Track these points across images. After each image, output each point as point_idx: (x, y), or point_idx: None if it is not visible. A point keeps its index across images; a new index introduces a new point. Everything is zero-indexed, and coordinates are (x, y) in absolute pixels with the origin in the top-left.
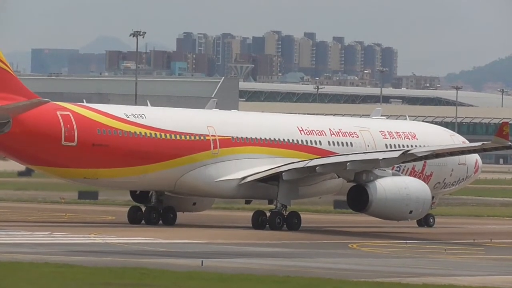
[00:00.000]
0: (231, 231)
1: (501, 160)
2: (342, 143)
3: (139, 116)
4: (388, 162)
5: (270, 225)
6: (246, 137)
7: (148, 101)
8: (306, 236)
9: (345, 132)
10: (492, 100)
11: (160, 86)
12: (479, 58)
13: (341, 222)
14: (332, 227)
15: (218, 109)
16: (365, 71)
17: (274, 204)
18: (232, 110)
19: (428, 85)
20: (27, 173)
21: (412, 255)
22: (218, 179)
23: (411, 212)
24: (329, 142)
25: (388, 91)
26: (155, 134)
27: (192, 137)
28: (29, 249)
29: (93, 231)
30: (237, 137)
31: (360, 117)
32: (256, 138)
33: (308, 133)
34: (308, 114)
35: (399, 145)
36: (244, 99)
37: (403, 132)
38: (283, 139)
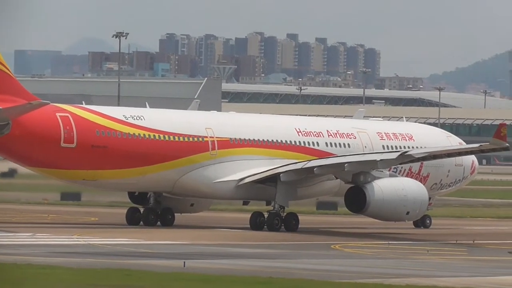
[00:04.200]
0: (214, 232)
1: (484, 161)
2: (339, 144)
3: (137, 118)
4: (386, 163)
5: (268, 226)
6: (244, 139)
7: (146, 102)
8: (289, 237)
9: (342, 134)
10: (475, 101)
11: (143, 87)
12: (462, 59)
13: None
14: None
15: (216, 111)
16: (348, 72)
17: (272, 205)
18: (231, 112)
19: (411, 86)
20: (10, 174)
21: (395, 256)
22: (216, 180)
23: (408, 213)
24: (326, 143)
25: (371, 92)
26: (154, 135)
27: (191, 139)
28: (12, 250)
29: (76, 232)
30: (235, 138)
31: (343, 118)
32: (254, 139)
33: (305, 134)
34: (291, 115)
35: (396, 147)
36: (227, 100)
37: (400, 134)
38: (281, 141)
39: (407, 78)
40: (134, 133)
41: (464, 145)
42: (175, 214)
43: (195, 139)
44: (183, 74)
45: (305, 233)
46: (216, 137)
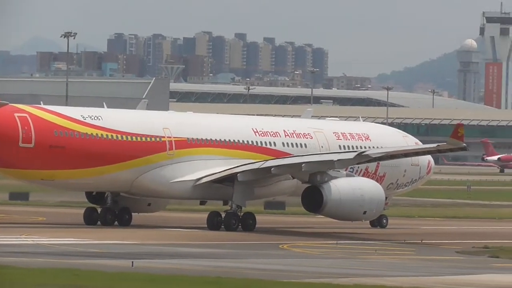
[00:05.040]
0: (165, 232)
1: None
2: (296, 144)
3: (95, 118)
4: (343, 163)
5: (225, 226)
6: (202, 139)
7: (104, 102)
8: (239, 236)
9: (299, 133)
10: (423, 101)
11: (91, 87)
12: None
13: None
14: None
15: (174, 111)
16: (296, 72)
17: (229, 205)
18: (188, 112)
19: (359, 85)
20: None
21: (343, 255)
22: (173, 180)
23: (365, 212)
24: (283, 143)
25: (319, 91)
26: (112, 135)
27: (148, 139)
28: None
29: (24, 232)
30: (192, 138)
31: (291, 117)
32: (211, 139)
33: (262, 134)
34: (238, 114)
35: (352, 147)
36: (175, 100)
37: (356, 133)
38: (238, 141)
39: (355, 78)
40: (92, 133)
41: (421, 145)
42: (133, 214)
43: (153, 139)
44: (131, 74)
45: (255, 233)
46: (174, 137)
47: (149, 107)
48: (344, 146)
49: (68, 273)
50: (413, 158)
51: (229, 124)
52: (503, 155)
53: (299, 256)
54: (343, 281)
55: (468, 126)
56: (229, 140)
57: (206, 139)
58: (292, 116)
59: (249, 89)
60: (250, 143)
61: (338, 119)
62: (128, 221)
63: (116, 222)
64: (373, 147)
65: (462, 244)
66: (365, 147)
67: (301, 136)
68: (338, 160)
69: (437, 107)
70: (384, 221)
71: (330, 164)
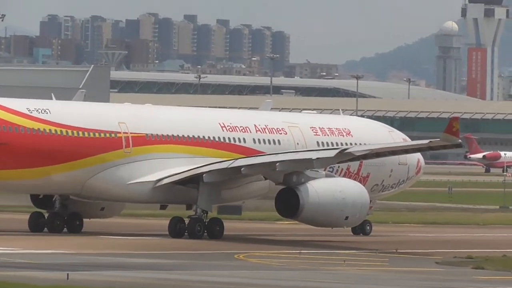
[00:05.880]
0: (107, 240)
1: None
2: (269, 140)
3: (43, 111)
4: (323, 162)
5: (189, 233)
6: (162, 135)
7: (52, 94)
8: (191, 245)
9: (272, 129)
10: (397, 91)
11: (22, 76)
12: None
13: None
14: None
15: (129, 103)
16: (253, 58)
17: (194, 209)
18: (147, 104)
19: (324, 74)
20: None
21: (306, 266)
22: (130, 182)
23: (347, 218)
24: (254, 139)
25: (280, 80)
26: (61, 131)
27: (102, 135)
28: None
29: None
30: (152, 134)
31: (248, 110)
32: (173, 135)
33: (231, 129)
34: (188, 107)
35: (332, 143)
36: (116, 90)
37: (336, 128)
38: (204, 137)
39: (320, 65)
40: (39, 129)
41: (410, 142)
42: (84, 219)
43: (107, 135)
44: (67, 61)
45: (207, 241)
46: (131, 133)
47: (87, 98)
48: (322, 143)
49: None
50: (400, 156)
51: (193, 118)
52: (489, 152)
53: (256, 267)
54: None
55: (448, 119)
56: (193, 136)
57: (168, 135)
58: (249, 109)
59: (200, 78)
60: (217, 139)
61: (315, 112)
62: (79, 227)
63: (65, 229)
64: (355, 143)
65: (442, 253)
66: (346, 144)
67: (274, 132)
68: (317, 158)
69: (413, 98)
70: (368, 227)
71: (308, 163)
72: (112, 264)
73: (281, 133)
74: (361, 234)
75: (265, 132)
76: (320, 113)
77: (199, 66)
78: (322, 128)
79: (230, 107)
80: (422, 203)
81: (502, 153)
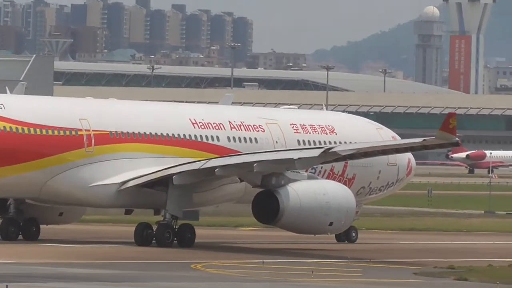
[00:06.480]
0: (49, 248)
1: None
2: (244, 138)
3: None
4: (306, 162)
5: (157, 241)
6: (128, 132)
7: (7, 87)
8: (140, 254)
9: (248, 125)
10: (372, 84)
11: None
12: (355, 31)
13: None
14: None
15: (91, 98)
16: (212, 48)
17: (162, 214)
18: (111, 99)
19: (291, 64)
20: None
21: (269, 277)
22: (92, 184)
23: (331, 224)
24: (229, 137)
25: (242, 72)
26: (16, 128)
27: (61, 132)
28: None
29: None
30: (116, 131)
31: (207, 104)
32: (140, 133)
33: (203, 126)
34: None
35: (314, 141)
36: (60, 83)
37: (319, 125)
38: (173, 134)
39: (287, 55)
40: None
41: (401, 140)
42: (41, 225)
43: (67, 132)
44: (6, 50)
45: (163, 249)
46: (93, 130)
47: (27, 91)
48: (304, 141)
49: None
50: (389, 156)
51: (162, 114)
52: (473, 151)
53: (214, 278)
54: None
55: (428, 115)
56: (162, 133)
57: (134, 132)
58: (208, 103)
59: (153, 68)
60: (188, 137)
61: (296, 107)
62: (36, 234)
63: (20, 236)
64: (340, 142)
65: (421, 263)
66: (330, 142)
67: (251, 129)
68: (299, 158)
69: (390, 91)
70: (353, 234)
71: (289, 163)
72: (55, 275)
73: (258, 131)
74: (346, 242)
75: (241, 130)
76: (299, 108)
77: (152, 56)
78: (304, 125)
79: (186, 102)
80: (398, 207)
81: (487, 152)
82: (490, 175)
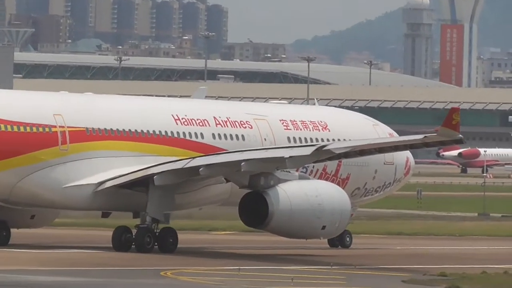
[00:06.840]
0: (16, 254)
1: None
2: (231, 135)
3: None
4: (297, 161)
5: (136, 246)
6: (105, 129)
7: None
8: (107, 260)
9: (234, 122)
10: (356, 76)
11: None
12: (338, 19)
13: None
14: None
15: (66, 92)
16: (185, 37)
17: (142, 217)
18: (86, 93)
19: (269, 55)
20: None
21: (246, 286)
22: (67, 185)
23: (324, 227)
24: (214, 134)
25: (216, 64)
26: None
27: (34, 129)
28: None
29: None
30: (93, 128)
31: (179, 98)
32: (118, 129)
33: (186, 122)
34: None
35: (306, 139)
36: (21, 76)
37: (311, 122)
38: (154, 131)
39: (265, 45)
40: None
41: (399, 138)
42: (12, 229)
43: (40, 129)
44: None
45: (132, 254)
46: (68, 127)
47: None
48: (294, 138)
49: None
50: (386, 154)
51: (142, 109)
52: (466, 149)
53: (185, 286)
54: None
55: (417, 110)
56: (142, 130)
57: (112, 129)
58: (180, 96)
59: (121, 60)
60: (170, 134)
61: (286, 102)
62: (6, 239)
63: None
64: (334, 139)
65: (410, 270)
66: (323, 140)
67: (238, 125)
68: (290, 157)
69: (376, 84)
70: (348, 238)
71: (280, 162)
72: (18, 283)
73: (245, 127)
74: (339, 246)
75: (227, 126)
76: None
77: (120, 47)
78: (294, 121)
79: (156, 95)
80: (386, 209)
81: (481, 150)
82: (484, 174)
